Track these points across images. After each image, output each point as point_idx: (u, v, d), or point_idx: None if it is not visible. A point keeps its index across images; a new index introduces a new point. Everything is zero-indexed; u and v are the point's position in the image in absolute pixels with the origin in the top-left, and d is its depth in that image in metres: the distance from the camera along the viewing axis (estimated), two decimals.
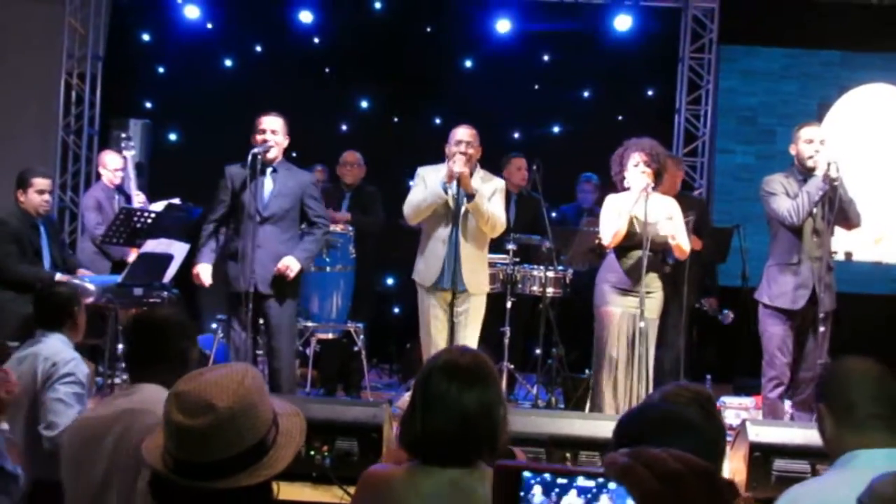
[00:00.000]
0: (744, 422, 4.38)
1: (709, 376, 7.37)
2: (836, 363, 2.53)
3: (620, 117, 8.73)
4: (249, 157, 5.15)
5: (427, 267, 5.49)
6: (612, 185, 5.45)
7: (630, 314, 5.17)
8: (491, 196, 5.44)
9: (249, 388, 1.83)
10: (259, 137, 5.30)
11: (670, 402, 2.43)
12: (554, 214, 7.94)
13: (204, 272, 5.34)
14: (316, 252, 5.59)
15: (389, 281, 8.37)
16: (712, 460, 2.02)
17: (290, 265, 5.29)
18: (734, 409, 6.27)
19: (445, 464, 2.22)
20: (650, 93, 8.90)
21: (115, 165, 6.95)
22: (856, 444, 2.22)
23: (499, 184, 5.55)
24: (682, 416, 2.06)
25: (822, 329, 5.00)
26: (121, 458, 2.52)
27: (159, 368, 2.74)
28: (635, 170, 5.15)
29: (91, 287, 5.77)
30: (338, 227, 6.44)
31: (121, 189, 6.97)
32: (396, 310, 8.38)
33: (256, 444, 1.81)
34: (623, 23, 8.41)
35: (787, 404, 5.33)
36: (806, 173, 5.16)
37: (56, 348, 3.87)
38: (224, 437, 1.77)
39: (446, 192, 5.36)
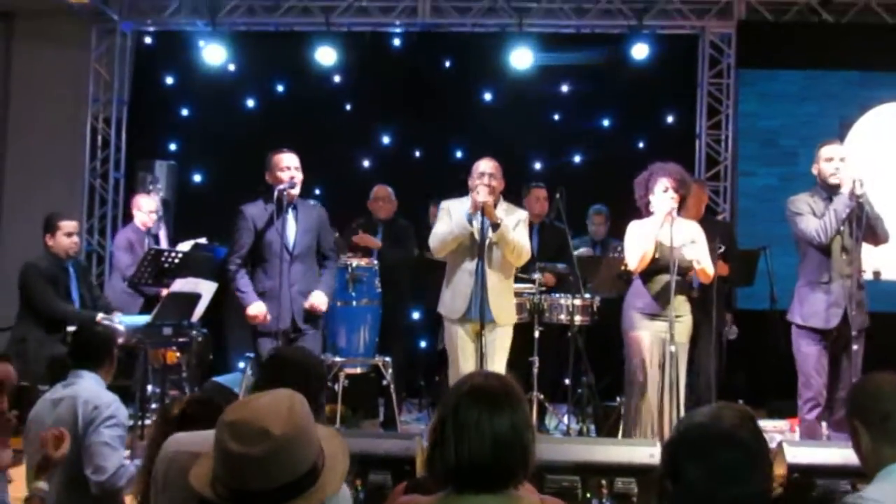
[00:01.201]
0: (780, 444, 4.32)
1: (741, 401, 7.29)
2: (866, 379, 2.52)
3: (641, 144, 8.74)
4: (276, 195, 5.22)
5: (454, 299, 5.50)
6: (629, 211, 5.46)
7: (660, 339, 5.14)
8: (515, 227, 5.46)
9: (300, 414, 1.84)
10: (285, 175, 5.35)
11: (718, 420, 2.41)
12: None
13: (262, 309, 5.36)
14: (333, 285, 5.71)
15: (416, 314, 8.38)
16: (764, 473, 2.00)
17: (322, 302, 5.42)
18: (769, 432, 6.20)
19: (480, 491, 2.20)
20: (670, 119, 8.91)
21: (150, 208, 7.03)
22: (893, 457, 2.19)
23: (522, 215, 5.58)
24: (735, 435, 2.04)
25: (855, 347, 4.96)
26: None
27: None
28: (664, 195, 5.15)
29: (121, 328, 5.82)
30: (363, 262, 6.47)
31: (149, 231, 7.05)
32: (424, 343, 8.37)
33: (310, 469, 1.81)
34: (640, 51, 8.45)
35: (824, 425, 5.26)
36: (829, 191, 5.15)
37: (94, 390, 3.85)
38: (281, 463, 1.77)
39: (471, 224, 5.39)
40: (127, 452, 3.85)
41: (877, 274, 8.13)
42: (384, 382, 6.62)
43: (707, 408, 2.05)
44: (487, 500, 2.18)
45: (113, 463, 3.69)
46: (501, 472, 2.19)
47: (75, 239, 6.11)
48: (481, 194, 5.28)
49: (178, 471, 2.42)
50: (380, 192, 7.29)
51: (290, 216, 5.42)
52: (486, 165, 5.47)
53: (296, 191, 5.39)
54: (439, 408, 2.28)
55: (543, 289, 6.44)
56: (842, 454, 3.99)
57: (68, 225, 6.03)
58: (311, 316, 5.44)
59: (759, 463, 1.90)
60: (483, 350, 5.32)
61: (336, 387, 6.78)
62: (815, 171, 5.29)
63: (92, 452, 3.73)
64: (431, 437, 2.25)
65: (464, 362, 5.42)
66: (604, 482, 4.06)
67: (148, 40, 9.05)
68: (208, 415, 2.95)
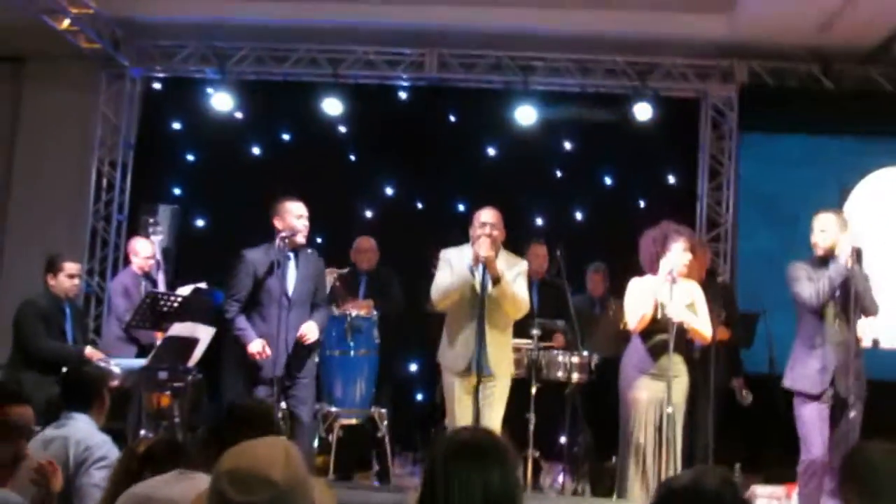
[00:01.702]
0: None
1: (738, 465, 7.22)
2: (858, 448, 2.51)
3: (642, 203, 8.79)
4: (279, 241, 5.24)
5: (454, 352, 5.50)
6: (629, 270, 5.48)
7: (657, 399, 5.13)
8: (515, 278, 5.47)
9: (297, 459, 1.82)
10: (299, 224, 5.42)
11: (700, 484, 2.39)
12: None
13: (262, 345, 5.38)
14: (323, 328, 5.66)
15: (413, 366, 8.34)
16: None
17: (312, 331, 5.43)
18: (765, 498, 6.13)
19: None
20: (671, 179, 8.97)
21: (146, 253, 6.95)
22: None
23: (522, 266, 5.59)
24: (717, 499, 2.03)
25: (853, 414, 4.94)
26: None
27: None
28: (684, 255, 5.20)
29: (116, 370, 5.79)
30: (362, 311, 6.47)
31: (147, 275, 7.03)
32: (419, 396, 8.32)
33: None
34: (643, 111, 8.53)
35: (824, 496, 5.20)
36: (821, 260, 5.19)
37: (86, 431, 3.84)
38: None
39: (473, 275, 5.40)
40: None
41: (875, 342, 8.11)
42: (379, 434, 6.57)
43: (688, 472, 2.04)
44: None
45: None
46: None
47: (77, 281, 6.13)
48: (483, 249, 5.29)
49: None
50: (363, 244, 7.31)
51: (292, 264, 5.45)
52: (487, 215, 5.49)
53: (300, 239, 5.44)
54: (427, 462, 2.26)
55: (542, 345, 6.42)
56: None
57: (72, 267, 6.07)
58: (306, 364, 5.42)
59: None
60: (480, 404, 5.30)
61: (330, 437, 6.73)
62: (812, 239, 5.35)
63: (82, 494, 3.70)
64: (420, 493, 2.24)
65: (460, 414, 5.39)
66: None
67: (157, 86, 9.14)
68: (173, 457, 2.95)
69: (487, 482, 2.16)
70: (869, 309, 5.23)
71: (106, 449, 3.77)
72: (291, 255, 5.45)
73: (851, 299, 5.06)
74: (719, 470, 2.36)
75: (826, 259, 5.19)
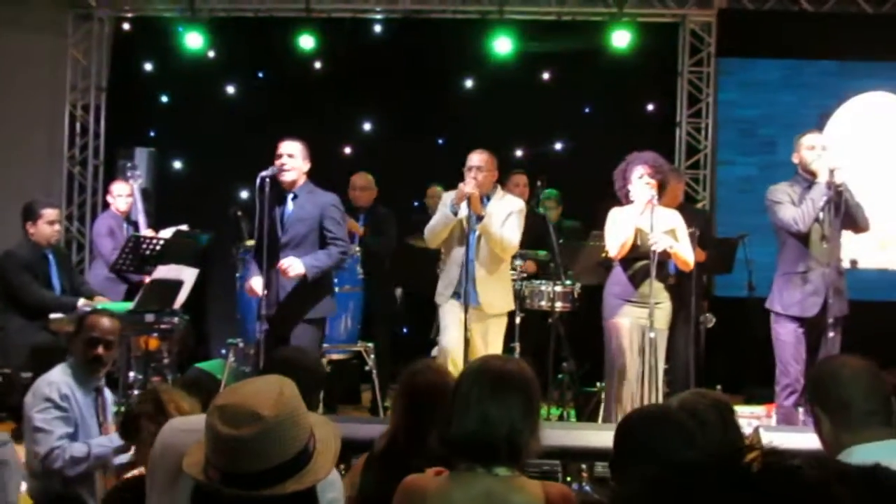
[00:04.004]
0: (756, 429, 4.39)
1: (719, 387, 7.35)
2: (825, 363, 2.54)
3: (621, 132, 8.76)
4: (258, 181, 5.19)
5: (444, 287, 5.63)
6: (610, 198, 5.50)
7: (639, 325, 5.20)
8: (507, 218, 5.52)
9: (290, 397, 1.87)
10: (277, 162, 5.34)
11: (688, 410, 2.47)
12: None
13: (249, 286, 5.37)
14: (326, 266, 5.34)
15: (400, 301, 8.38)
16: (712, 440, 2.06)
17: (292, 265, 5.15)
18: (746, 418, 6.24)
19: (489, 465, 2.26)
20: (650, 107, 8.95)
21: (120, 192, 7.00)
22: (851, 442, 2.23)
23: (515, 205, 5.63)
24: (702, 423, 2.09)
25: (832, 334, 5.02)
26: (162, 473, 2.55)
27: None
28: (640, 182, 5.20)
29: None
30: None
31: (129, 217, 7.02)
32: (407, 330, 8.39)
33: (300, 452, 1.85)
34: (621, 39, 8.47)
35: (801, 411, 5.34)
36: (810, 180, 5.20)
37: (46, 376, 3.90)
38: (271, 445, 1.81)
39: (455, 215, 5.46)
40: (113, 433, 3.80)
41: (853, 263, 8.22)
42: (367, 368, 6.66)
43: (682, 395, 2.12)
44: (489, 482, 2.24)
45: (43, 447, 3.70)
46: (483, 448, 2.27)
47: (57, 227, 6.08)
48: (468, 186, 5.37)
49: (172, 450, 2.48)
50: (358, 181, 7.27)
51: (290, 204, 5.38)
52: (475, 158, 5.54)
53: (288, 178, 5.33)
54: (454, 390, 2.41)
55: (525, 275, 6.47)
56: (816, 440, 4.05)
57: (51, 213, 5.99)
58: (300, 305, 5.30)
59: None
60: (467, 336, 5.36)
61: None
62: (795, 159, 5.35)
63: (27, 439, 3.76)
64: (448, 413, 2.36)
65: (448, 345, 5.44)
66: (584, 467, 4.11)
67: (126, 26, 8.97)
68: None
69: (492, 406, 2.25)
70: (862, 225, 5.26)
71: (48, 391, 3.85)
72: (290, 195, 5.38)
73: (834, 220, 5.09)
74: (711, 395, 2.42)
75: (809, 180, 5.21)
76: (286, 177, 5.31)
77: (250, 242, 5.93)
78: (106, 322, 3.90)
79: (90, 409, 3.88)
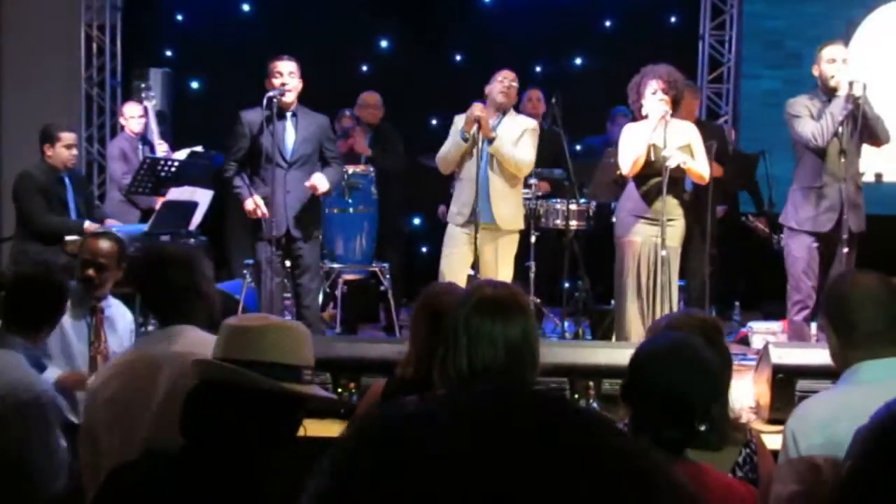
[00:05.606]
0: (767, 345, 4.39)
1: (737, 303, 7.35)
2: (836, 281, 2.52)
3: (643, 46, 8.56)
4: (265, 101, 5.17)
5: (458, 207, 5.58)
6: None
7: (652, 243, 5.16)
8: (519, 137, 5.48)
9: (301, 328, 2.07)
10: (276, 82, 5.30)
11: (675, 330, 2.46)
12: (579, 147, 7.89)
13: (254, 204, 5.35)
14: (337, 183, 5.64)
15: (416, 221, 8.39)
16: (715, 391, 2.05)
17: (321, 182, 5.35)
18: (762, 333, 6.27)
19: None
20: (673, 20, 8.73)
21: (132, 113, 6.96)
22: (858, 359, 2.23)
23: (528, 125, 5.58)
24: (686, 347, 2.08)
25: (846, 250, 4.97)
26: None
27: (183, 308, 2.78)
28: (653, 97, 5.10)
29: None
30: (359, 169, 6.47)
31: (144, 139, 7.01)
32: (424, 249, 8.42)
33: (306, 367, 1.95)
34: None
35: (814, 327, 5.32)
36: (829, 94, 5.08)
37: None
38: (280, 339, 1.92)
39: (465, 140, 5.41)
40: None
41: (878, 176, 8.08)
42: (382, 288, 6.70)
43: (671, 315, 2.11)
44: None
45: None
46: (513, 377, 2.28)
47: (74, 151, 6.11)
48: (476, 109, 5.32)
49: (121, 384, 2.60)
50: (368, 99, 7.20)
51: (290, 124, 5.39)
52: (503, 75, 5.53)
53: (289, 98, 5.34)
54: (449, 318, 2.35)
55: (539, 194, 6.43)
56: (825, 355, 4.04)
57: (68, 137, 6.01)
58: (309, 223, 5.45)
59: (715, 380, 1.95)
60: (477, 253, 5.37)
61: (336, 292, 6.89)
62: (815, 72, 5.21)
63: None
64: (442, 347, 2.31)
65: (456, 264, 5.46)
66: (591, 384, 4.14)
67: None
68: None
69: (509, 336, 2.26)
70: (882, 138, 5.14)
71: None
72: (290, 115, 5.38)
73: (854, 134, 4.98)
74: (699, 317, 2.41)
75: (830, 93, 5.08)
76: (289, 97, 5.31)
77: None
78: (99, 244, 3.87)
79: (81, 333, 3.89)
